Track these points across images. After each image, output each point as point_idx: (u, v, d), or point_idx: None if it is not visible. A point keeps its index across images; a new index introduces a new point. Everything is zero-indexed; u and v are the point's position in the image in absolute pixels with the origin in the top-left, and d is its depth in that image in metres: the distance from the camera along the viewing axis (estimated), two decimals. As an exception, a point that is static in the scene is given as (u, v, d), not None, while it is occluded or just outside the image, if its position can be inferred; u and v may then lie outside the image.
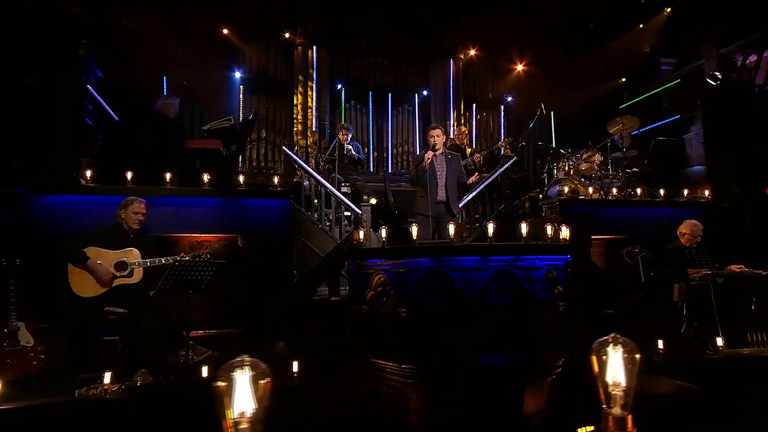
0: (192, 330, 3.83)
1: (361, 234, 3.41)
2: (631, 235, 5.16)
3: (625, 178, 5.93)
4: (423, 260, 3.00)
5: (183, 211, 4.07)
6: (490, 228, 2.99)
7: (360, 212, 5.54)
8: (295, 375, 2.84)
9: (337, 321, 3.46)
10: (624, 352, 1.19)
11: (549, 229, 3.03)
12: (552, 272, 3.15)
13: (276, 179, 4.36)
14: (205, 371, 2.63)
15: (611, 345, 1.21)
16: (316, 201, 5.83)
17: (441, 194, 4.39)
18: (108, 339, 3.10)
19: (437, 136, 4.41)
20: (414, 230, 3.03)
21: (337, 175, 6.14)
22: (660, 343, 3.53)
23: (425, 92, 8.13)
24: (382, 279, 3.27)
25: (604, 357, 1.18)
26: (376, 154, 7.90)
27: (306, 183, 5.94)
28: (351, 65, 7.84)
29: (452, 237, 2.93)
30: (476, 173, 4.66)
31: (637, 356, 1.18)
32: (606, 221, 5.11)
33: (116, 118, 5.70)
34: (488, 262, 2.89)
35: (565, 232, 3.27)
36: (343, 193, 6.35)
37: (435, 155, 4.40)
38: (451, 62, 7.93)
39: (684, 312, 4.05)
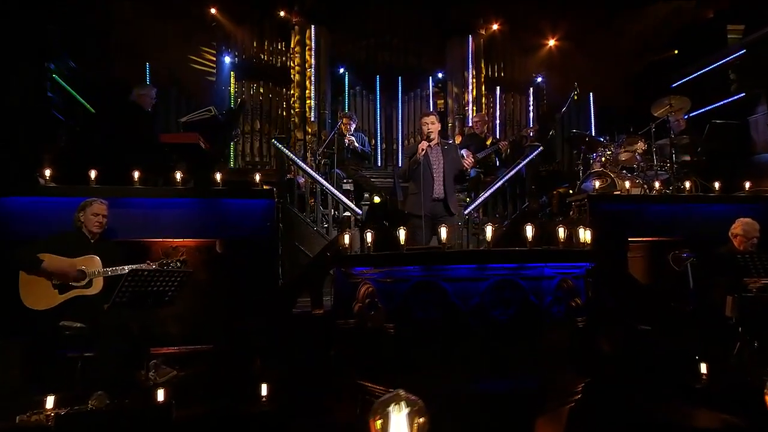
0: (162, 346, 3.91)
1: (347, 238, 3.37)
2: (679, 237, 4.93)
3: (674, 169, 5.67)
4: (412, 269, 2.93)
5: (154, 213, 4.12)
6: (488, 231, 2.88)
7: (359, 212, 5.51)
8: (264, 399, 2.81)
9: (320, 337, 3.42)
10: (409, 414, 1.07)
11: (561, 232, 2.90)
12: (567, 282, 3.02)
13: (258, 177, 4.34)
14: (161, 395, 2.63)
15: (393, 405, 1.10)
16: (311, 200, 5.82)
17: (438, 190, 4.29)
18: (71, 356, 3.16)
19: (431, 124, 4.32)
20: (401, 234, 2.96)
21: (338, 171, 6.12)
22: (703, 367, 3.34)
23: (440, 74, 8.02)
24: (370, 290, 3.21)
25: (381, 421, 1.07)
26: (384, 146, 7.85)
27: (301, 180, 5.93)
28: (355, 46, 7.81)
29: (444, 242, 2.84)
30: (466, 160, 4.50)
31: (423, 420, 1.07)
32: (648, 220, 4.91)
33: (92, 109, 5.88)
34: (486, 271, 2.79)
35: (584, 235, 3.13)
36: (345, 191, 6.32)
37: (430, 146, 4.31)
38: (470, 39, 7.79)
39: (738, 329, 3.83)
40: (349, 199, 6.01)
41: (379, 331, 3.07)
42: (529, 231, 2.83)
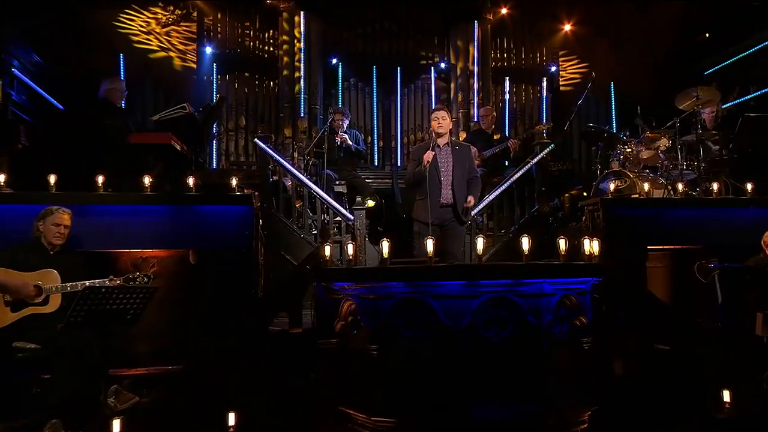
0: (130, 367, 3.91)
1: (327, 250, 3.36)
2: (706, 245, 4.85)
3: (702, 169, 5.59)
4: (396, 284, 2.93)
5: (122, 221, 4.12)
6: (479, 243, 2.85)
7: (351, 218, 5.49)
8: (232, 430, 2.80)
9: (298, 357, 3.41)
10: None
11: (562, 244, 2.85)
12: (570, 299, 2.99)
13: (234, 181, 4.34)
14: (116, 426, 2.62)
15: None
16: (298, 204, 5.81)
17: (446, 196, 4.26)
18: (23, 380, 3.16)
19: (442, 119, 4.27)
20: (385, 246, 2.94)
21: (328, 172, 6.11)
22: (726, 395, 3.27)
23: (443, 64, 7.98)
24: (352, 307, 3.21)
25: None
26: (381, 143, 7.82)
27: (289, 182, 5.93)
28: (349, 34, 7.79)
29: (430, 255, 2.81)
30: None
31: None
32: (670, 226, 4.83)
33: (60, 106, 5.92)
34: (478, 288, 2.77)
35: (590, 247, 3.09)
36: (338, 193, 6.32)
37: (438, 146, 4.26)
38: (476, 25, 7.75)
39: (770, 350, 3.77)
40: (342, 203, 6.01)
41: (362, 353, 3.06)
42: (525, 243, 2.79)
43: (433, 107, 4.49)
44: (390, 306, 2.92)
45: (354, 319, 3.18)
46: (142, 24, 7.21)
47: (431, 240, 2.84)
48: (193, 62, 7.47)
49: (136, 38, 7.06)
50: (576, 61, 8.55)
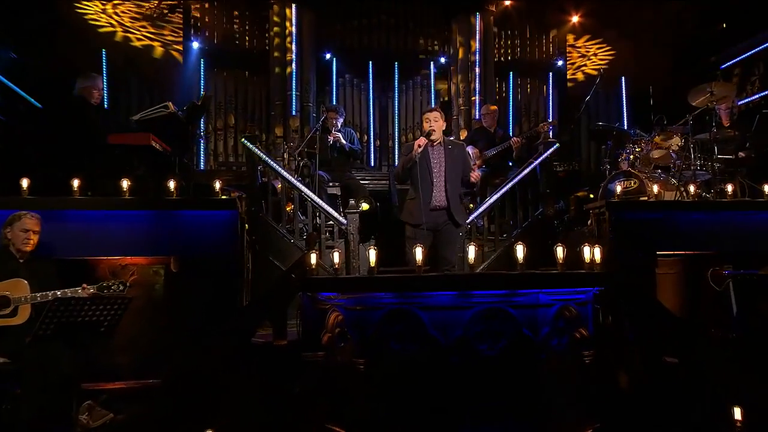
0: (108, 381, 3.91)
1: (313, 258, 3.34)
2: (720, 251, 4.82)
3: (717, 169, 5.55)
4: (384, 295, 2.92)
5: (99, 227, 4.12)
6: (471, 252, 2.83)
7: (344, 222, 5.47)
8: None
9: (283, 371, 3.40)
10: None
11: (560, 252, 2.83)
12: (569, 310, 2.98)
13: (218, 184, 4.33)
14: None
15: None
16: (289, 208, 5.80)
17: (439, 198, 4.25)
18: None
19: (434, 121, 4.29)
20: (372, 254, 2.92)
21: (321, 173, 6.10)
22: (737, 412, 3.23)
23: (443, 59, 7.96)
24: (339, 318, 3.20)
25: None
26: (378, 143, 7.80)
27: (278, 184, 5.93)
28: (344, 27, 7.77)
29: (419, 263, 2.80)
30: (475, 166, 4.46)
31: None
32: (682, 231, 4.80)
33: (38, 105, 5.93)
34: (470, 298, 2.75)
35: (590, 254, 3.07)
36: (331, 196, 6.30)
37: (431, 145, 4.25)
38: (478, 17, 7.72)
39: (787, 365, 3.73)
40: (336, 206, 6.00)
41: (350, 367, 3.04)
42: (520, 251, 2.77)
43: (428, 107, 4.47)
44: (378, 318, 2.92)
45: (341, 331, 3.17)
46: (127, 18, 7.22)
47: (420, 248, 2.81)
48: (180, 58, 7.46)
49: (119, 32, 7.06)
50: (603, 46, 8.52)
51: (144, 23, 7.33)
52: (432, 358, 2.79)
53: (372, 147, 7.78)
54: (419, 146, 4.14)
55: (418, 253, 2.84)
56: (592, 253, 3.05)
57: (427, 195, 4.22)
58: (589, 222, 4.92)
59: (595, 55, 8.69)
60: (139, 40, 7.29)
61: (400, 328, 2.85)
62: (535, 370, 2.81)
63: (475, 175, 4.41)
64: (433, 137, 4.27)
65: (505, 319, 2.78)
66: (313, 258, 3.33)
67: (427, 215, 4.18)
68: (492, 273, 3.17)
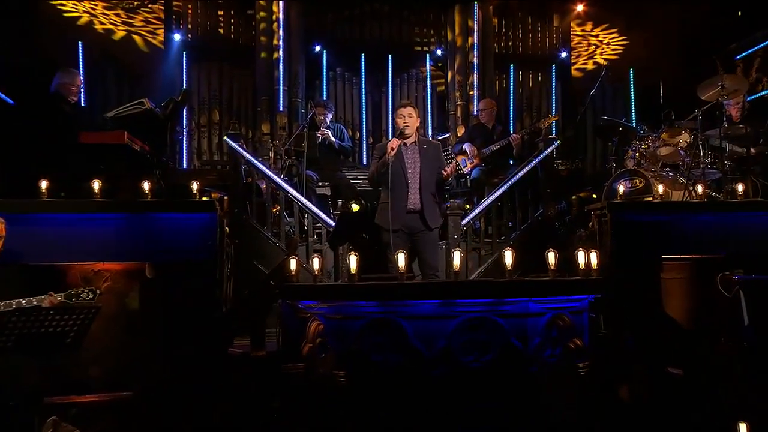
0: (80, 394, 3.90)
1: (293, 264, 3.33)
2: (730, 254, 4.80)
3: (728, 168, 5.54)
4: (365, 304, 2.91)
5: (70, 231, 4.11)
6: (456, 258, 2.82)
7: (332, 224, 5.47)
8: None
9: (262, 384, 3.39)
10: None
11: (552, 258, 2.82)
12: (563, 319, 2.97)
13: (195, 185, 4.33)
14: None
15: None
16: (275, 209, 5.80)
17: (413, 200, 4.26)
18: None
19: (408, 117, 4.30)
20: (352, 261, 2.91)
21: (309, 173, 6.10)
22: (743, 428, 3.22)
23: (440, 51, 7.96)
24: (320, 328, 3.20)
25: None
26: (371, 140, 7.79)
27: (263, 185, 5.93)
28: (335, 18, 7.75)
29: (401, 270, 2.79)
30: (452, 164, 4.48)
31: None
32: (689, 233, 4.77)
33: (9, 101, 5.93)
34: (454, 307, 2.75)
35: (585, 259, 3.06)
36: (320, 196, 6.30)
37: (405, 144, 4.23)
38: (477, 6, 7.70)
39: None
40: (326, 206, 5.99)
41: (330, 379, 3.04)
42: (509, 257, 2.76)
43: (401, 102, 4.48)
44: (359, 327, 2.92)
45: (322, 341, 3.17)
46: (102, 5, 7.23)
47: (403, 253, 2.81)
48: (161, 51, 7.46)
49: (96, 24, 7.05)
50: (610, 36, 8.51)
51: (122, 14, 7.31)
52: (414, 371, 2.78)
53: (364, 144, 7.78)
54: (392, 149, 4.15)
55: (401, 259, 2.83)
56: (586, 258, 3.03)
57: (401, 197, 4.23)
58: (590, 224, 4.91)
59: (603, 43, 8.67)
60: (117, 32, 7.28)
61: (382, 338, 2.85)
62: (525, 383, 2.80)
63: (448, 170, 4.40)
64: (407, 132, 4.28)
65: (493, 329, 2.77)
66: (293, 263, 3.33)
67: (402, 218, 4.19)
68: (478, 280, 3.17)
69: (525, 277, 3.20)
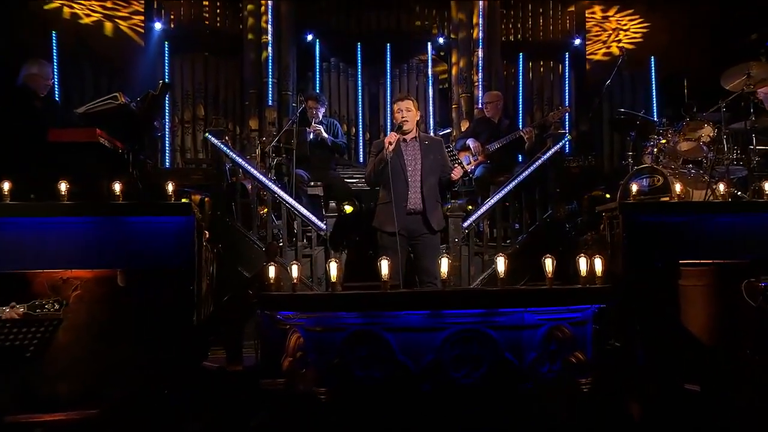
0: (45, 412, 3.91)
1: (272, 271, 3.34)
2: (756, 259, 4.75)
3: (755, 164, 5.49)
4: (348, 315, 2.91)
5: (35, 236, 4.11)
6: (444, 265, 2.80)
7: (322, 227, 5.48)
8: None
9: (237, 401, 3.39)
10: None
11: (549, 264, 2.80)
12: (562, 331, 2.95)
13: (171, 187, 4.33)
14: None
15: None
16: (262, 211, 5.81)
17: (414, 201, 4.25)
18: None
19: (406, 110, 4.30)
20: (333, 268, 2.91)
21: (300, 171, 6.10)
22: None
23: (442, 39, 7.94)
24: (300, 340, 3.20)
25: None
26: (368, 135, 7.79)
27: (249, 185, 5.94)
28: (328, 5, 7.75)
29: (386, 277, 2.78)
30: (458, 166, 4.48)
31: None
32: (711, 237, 4.73)
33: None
34: (443, 319, 2.74)
35: (587, 265, 3.03)
36: (312, 197, 6.30)
37: (404, 140, 4.22)
38: (482, -10, 7.71)
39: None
40: (317, 208, 5.98)
41: (310, 396, 3.03)
42: (501, 264, 2.74)
43: (398, 95, 4.48)
44: (340, 340, 2.91)
45: (303, 355, 3.17)
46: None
47: (386, 260, 2.80)
48: (141, 41, 7.49)
49: (70, 12, 7.09)
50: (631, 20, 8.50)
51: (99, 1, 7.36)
52: (400, 387, 2.77)
53: (361, 140, 7.78)
54: (390, 143, 4.14)
55: (384, 266, 2.82)
56: (589, 264, 3.01)
57: (401, 197, 4.22)
58: (601, 226, 4.88)
59: (621, 28, 8.63)
60: (94, 20, 7.31)
61: (365, 352, 2.83)
62: (519, 400, 2.78)
63: (457, 171, 4.39)
64: (405, 128, 4.27)
65: (484, 343, 2.75)
66: (272, 271, 3.33)
67: (402, 220, 4.17)
68: (468, 289, 3.16)
69: (525, 286, 3.17)
